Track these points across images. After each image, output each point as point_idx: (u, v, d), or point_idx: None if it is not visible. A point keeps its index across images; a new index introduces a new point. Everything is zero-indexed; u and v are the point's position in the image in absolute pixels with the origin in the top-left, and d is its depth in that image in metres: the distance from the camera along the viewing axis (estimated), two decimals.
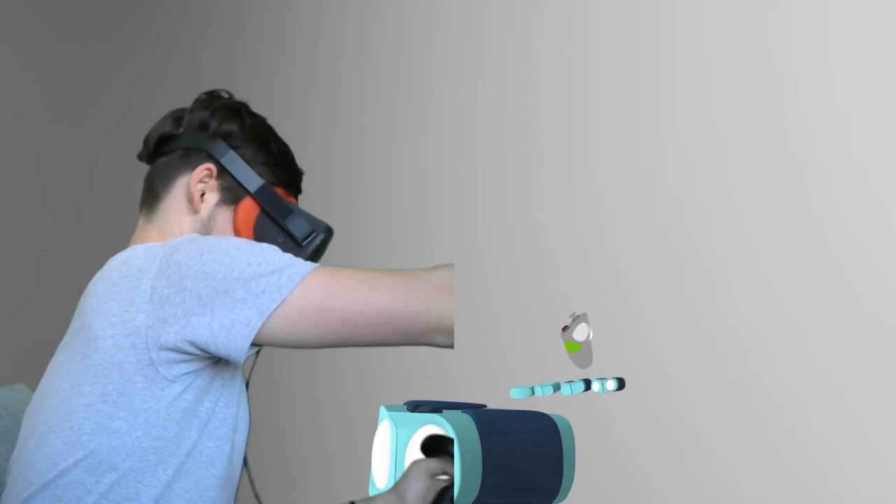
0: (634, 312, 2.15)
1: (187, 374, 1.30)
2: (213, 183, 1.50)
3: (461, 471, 1.34)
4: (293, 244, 1.51)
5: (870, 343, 1.79)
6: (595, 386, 1.87)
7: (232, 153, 1.50)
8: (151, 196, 1.53)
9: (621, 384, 1.88)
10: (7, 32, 3.69)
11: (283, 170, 1.56)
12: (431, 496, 1.43)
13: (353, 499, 1.59)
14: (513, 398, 2.02)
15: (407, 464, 1.50)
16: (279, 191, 1.54)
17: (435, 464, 1.44)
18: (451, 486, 1.44)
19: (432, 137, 2.68)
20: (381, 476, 1.55)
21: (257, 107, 3.33)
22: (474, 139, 2.56)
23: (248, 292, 1.26)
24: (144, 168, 1.62)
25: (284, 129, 3.24)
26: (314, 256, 1.53)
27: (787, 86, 1.93)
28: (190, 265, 1.28)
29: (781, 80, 1.94)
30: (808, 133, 1.90)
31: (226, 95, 1.59)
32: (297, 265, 1.30)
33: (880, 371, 1.78)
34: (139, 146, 3.66)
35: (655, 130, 2.14)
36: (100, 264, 3.84)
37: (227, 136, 1.52)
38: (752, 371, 1.95)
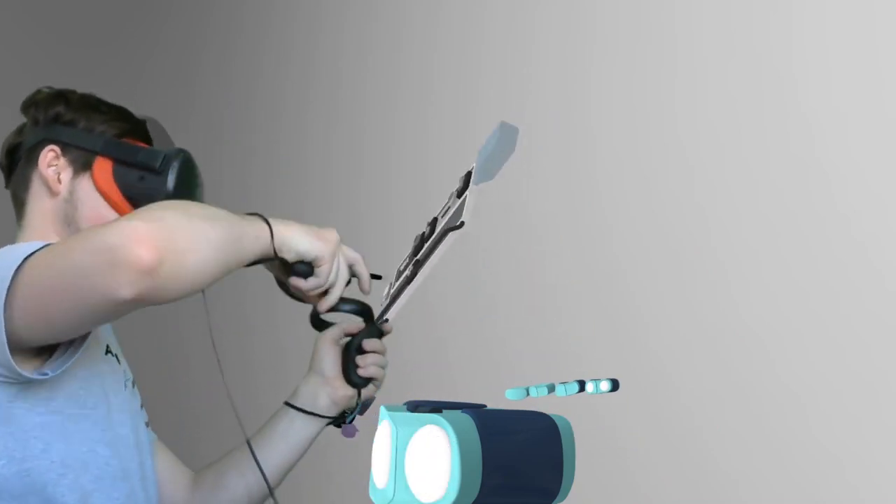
0: (634, 312, 2.15)
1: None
2: (62, 161, 1.52)
3: (461, 471, 1.34)
4: (153, 174, 1.52)
5: (869, 343, 1.79)
6: (589, 387, 1.87)
7: (68, 129, 1.53)
8: (17, 205, 1.56)
9: (615, 385, 1.88)
10: (7, 32, 3.69)
11: (122, 122, 1.58)
12: (340, 358, 1.60)
13: (288, 400, 1.69)
14: (507, 399, 2.02)
15: (407, 464, 1.50)
16: (126, 140, 1.56)
17: (334, 331, 1.61)
18: (353, 337, 1.60)
19: (432, 137, 2.68)
20: (381, 476, 1.55)
21: (257, 107, 3.34)
22: (474, 139, 2.56)
23: None
24: None
25: (284, 129, 3.25)
26: (180, 181, 1.53)
27: (787, 86, 1.93)
28: None
29: (781, 80, 1.94)
30: (808, 133, 1.89)
31: (46, 90, 1.61)
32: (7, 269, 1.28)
33: (880, 371, 1.78)
34: None
35: (655, 130, 2.14)
36: None
37: (56, 118, 1.54)
38: (751, 371, 1.95)
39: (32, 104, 1.57)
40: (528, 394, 1.70)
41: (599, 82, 2.26)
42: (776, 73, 1.95)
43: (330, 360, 1.64)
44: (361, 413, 1.65)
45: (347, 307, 1.62)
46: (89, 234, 1.30)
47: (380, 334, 1.64)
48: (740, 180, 1.99)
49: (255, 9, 3.37)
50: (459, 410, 1.46)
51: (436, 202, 2.65)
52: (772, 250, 1.93)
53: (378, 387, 1.65)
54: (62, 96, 1.57)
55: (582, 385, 1.83)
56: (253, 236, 1.39)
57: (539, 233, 2.37)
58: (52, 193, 1.52)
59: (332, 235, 1.54)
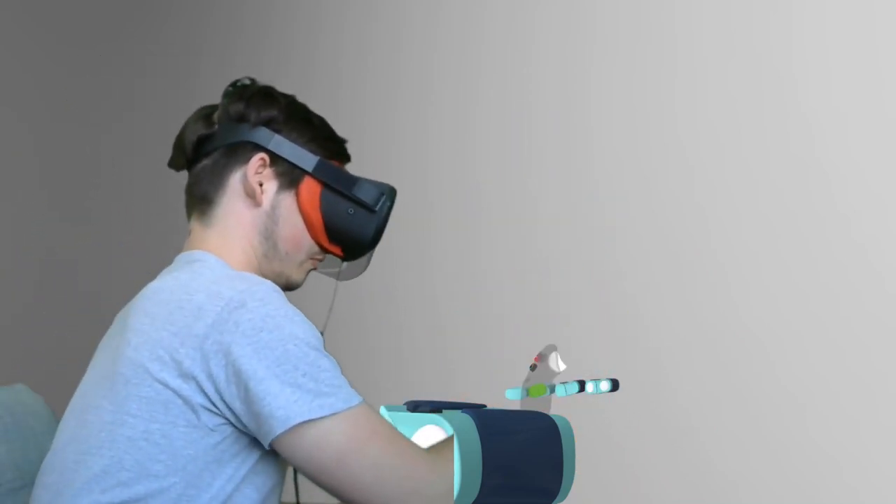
0: (634, 313, 2.15)
1: (227, 425, 1.29)
2: (268, 172, 1.45)
3: (461, 471, 1.34)
4: (366, 211, 1.46)
5: (869, 343, 1.79)
6: (589, 387, 1.87)
7: (278, 137, 1.45)
8: (202, 201, 1.46)
9: (615, 385, 1.88)
10: (7, 32, 3.69)
11: (330, 141, 1.51)
12: None
13: None
14: (508, 399, 2.02)
15: None
16: (334, 163, 1.50)
17: None
18: None
19: (432, 137, 2.68)
20: None
21: None
22: (474, 139, 2.56)
23: (282, 393, 1.24)
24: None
25: None
26: (386, 222, 1.50)
27: (787, 86, 1.93)
28: (246, 333, 1.25)
29: (781, 80, 1.94)
30: (808, 133, 1.90)
31: (249, 82, 1.53)
32: (333, 397, 1.26)
33: (879, 372, 1.78)
34: (140, 145, 3.67)
35: (655, 130, 2.14)
36: (101, 265, 3.82)
37: (268, 122, 1.46)
38: (750, 372, 1.95)
39: (242, 99, 1.48)
40: (528, 394, 1.70)
41: (599, 82, 2.26)
42: (776, 73, 1.95)
43: None
44: None
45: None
46: (418, 476, 1.30)
47: None
48: (740, 180, 1.99)
49: (255, 9, 3.37)
50: (459, 410, 1.46)
51: (436, 202, 2.65)
52: (771, 250, 1.93)
53: None
54: (274, 98, 1.49)
55: (582, 385, 1.83)
56: None
57: (539, 233, 2.37)
58: (254, 203, 1.44)
59: None
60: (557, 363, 1.60)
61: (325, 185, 1.47)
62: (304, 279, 1.51)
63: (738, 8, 2.02)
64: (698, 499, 2.03)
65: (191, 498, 1.28)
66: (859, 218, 1.81)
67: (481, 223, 2.52)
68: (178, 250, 1.50)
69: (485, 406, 1.52)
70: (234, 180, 1.46)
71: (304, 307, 1.41)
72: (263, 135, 1.46)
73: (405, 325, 2.67)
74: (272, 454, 1.33)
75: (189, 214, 1.50)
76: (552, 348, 1.66)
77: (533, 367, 1.60)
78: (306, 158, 1.46)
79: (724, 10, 2.04)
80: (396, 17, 2.82)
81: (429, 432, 1.48)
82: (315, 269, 1.52)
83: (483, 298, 2.47)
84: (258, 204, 1.45)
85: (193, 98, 3.75)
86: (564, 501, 1.55)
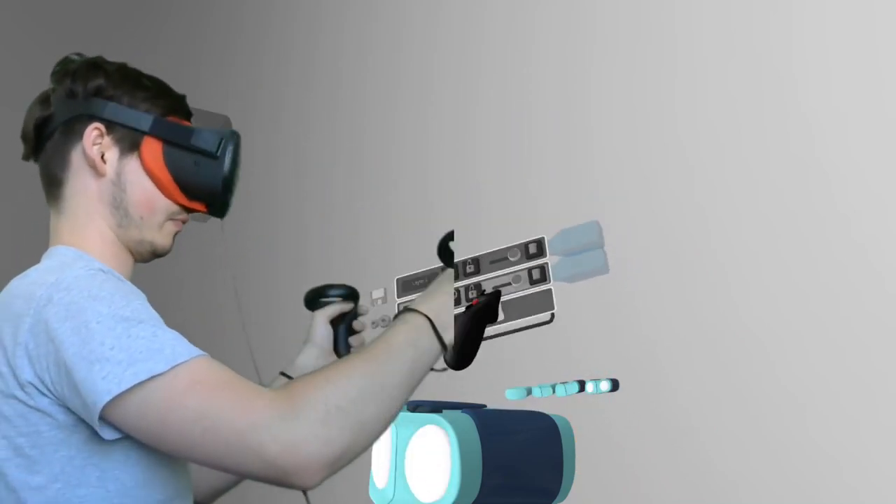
0: (633, 313, 2.15)
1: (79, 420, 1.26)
2: (106, 140, 1.42)
3: (461, 470, 1.34)
4: (209, 159, 1.45)
5: (868, 343, 1.79)
6: (589, 387, 1.87)
7: (111, 104, 1.43)
8: (53, 184, 1.45)
9: (615, 385, 1.87)
10: (7, 32, 3.69)
11: (166, 98, 1.48)
12: (332, 335, 1.64)
13: (283, 370, 1.65)
14: (508, 399, 2.02)
15: (407, 464, 1.50)
16: (171, 119, 1.48)
17: (329, 309, 1.63)
18: (345, 314, 1.64)
19: (432, 137, 2.68)
20: (381, 476, 1.55)
21: (257, 107, 3.34)
22: (474, 139, 2.56)
23: (91, 374, 1.18)
24: None
25: (284, 129, 3.25)
26: (234, 165, 1.48)
27: (787, 86, 1.93)
28: (55, 328, 1.21)
29: (781, 80, 1.94)
30: (808, 133, 1.90)
31: (77, 57, 1.50)
32: (151, 360, 1.19)
33: (879, 372, 1.78)
34: None
35: (655, 130, 2.14)
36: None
37: (98, 92, 1.44)
38: (751, 372, 1.95)
39: (67, 74, 1.46)
40: (528, 393, 1.70)
41: (599, 82, 2.26)
42: (776, 73, 1.95)
43: (326, 335, 1.64)
44: None
45: (337, 292, 1.67)
46: (253, 414, 1.16)
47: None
48: (740, 180, 1.99)
49: (255, 9, 3.37)
50: (459, 410, 1.45)
51: (436, 202, 2.65)
52: (772, 251, 1.93)
53: None
54: (99, 67, 1.46)
55: (582, 385, 1.83)
56: (426, 357, 1.31)
57: (539, 233, 2.37)
58: (98, 174, 1.41)
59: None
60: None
61: (165, 141, 1.45)
62: (172, 242, 1.47)
63: (738, 8, 2.01)
64: (698, 499, 2.03)
65: (83, 497, 1.26)
66: (859, 218, 1.81)
67: (481, 223, 2.52)
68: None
69: (485, 406, 1.52)
70: (76, 156, 1.43)
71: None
72: (95, 105, 1.44)
73: None
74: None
75: (48, 203, 1.48)
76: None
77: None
78: (141, 119, 1.45)
79: (724, 10, 2.04)
80: (396, 17, 2.82)
81: (428, 432, 1.48)
82: (179, 230, 1.49)
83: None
84: (102, 174, 1.42)
85: (193, 98, 3.75)
86: (564, 501, 1.55)
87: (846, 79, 1.85)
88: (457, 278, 1.53)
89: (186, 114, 1.52)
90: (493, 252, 1.56)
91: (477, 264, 1.54)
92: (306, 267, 3.12)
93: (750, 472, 1.94)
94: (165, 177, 1.44)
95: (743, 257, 1.98)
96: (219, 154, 1.46)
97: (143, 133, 1.44)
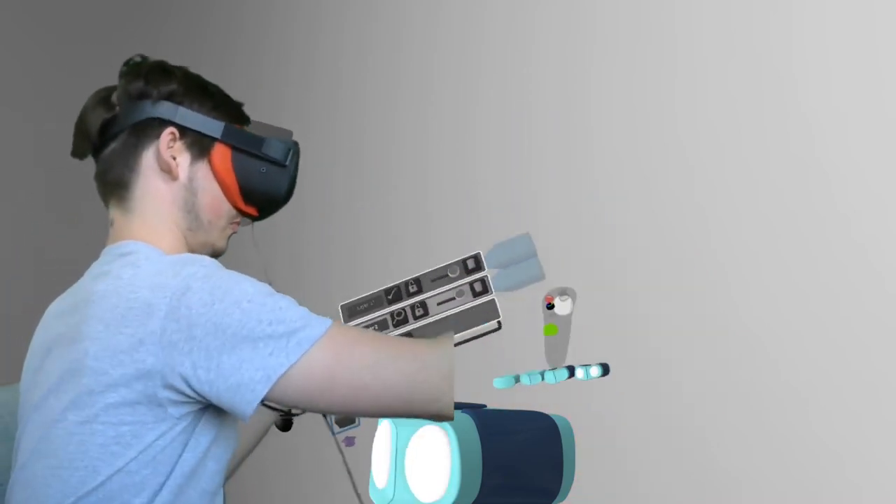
0: (634, 312, 2.15)
1: (193, 411, 1.30)
2: (178, 145, 1.45)
3: (461, 471, 1.34)
4: (277, 167, 1.49)
5: (869, 343, 1.79)
6: (579, 373, 1.86)
7: (182, 109, 1.46)
8: (118, 186, 1.46)
9: (605, 370, 1.87)
10: (7, 32, 3.69)
11: (230, 106, 1.53)
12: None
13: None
14: (496, 388, 2.02)
15: (407, 464, 1.50)
16: (237, 126, 1.52)
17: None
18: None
19: (432, 137, 2.68)
20: (381, 476, 1.55)
21: (257, 107, 3.33)
22: (474, 139, 2.56)
23: (256, 353, 1.24)
24: None
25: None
26: (296, 174, 1.53)
27: (787, 86, 1.93)
28: (201, 312, 1.25)
29: (781, 80, 1.94)
30: (808, 133, 1.89)
31: (140, 59, 1.53)
32: (307, 328, 1.27)
33: (879, 372, 1.78)
34: None
35: (655, 130, 2.14)
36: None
37: (170, 96, 1.47)
38: (751, 371, 1.95)
39: (139, 76, 1.48)
40: (517, 381, 1.70)
41: (599, 82, 2.26)
42: (776, 73, 1.95)
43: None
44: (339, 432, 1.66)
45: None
46: (419, 355, 1.32)
47: None
48: (740, 180, 1.99)
49: (255, 9, 3.37)
50: (459, 410, 1.45)
51: (436, 202, 2.65)
52: (771, 250, 1.93)
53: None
54: (169, 72, 1.50)
55: (571, 371, 1.83)
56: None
57: (539, 233, 2.37)
58: (171, 178, 1.44)
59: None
60: (569, 309, 1.63)
61: (234, 148, 1.48)
62: (227, 245, 1.52)
63: (738, 8, 2.01)
64: (699, 498, 2.03)
65: (163, 485, 1.30)
66: (859, 218, 1.81)
67: (481, 223, 2.52)
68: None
69: (485, 406, 1.52)
70: (148, 158, 1.45)
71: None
72: (167, 109, 1.46)
73: None
74: (218, 417, 1.35)
75: (106, 203, 1.49)
76: (570, 294, 1.69)
77: (550, 307, 1.63)
78: (213, 125, 1.47)
79: (724, 10, 2.03)
80: (396, 17, 2.82)
81: (428, 432, 1.48)
82: (235, 232, 1.54)
83: None
84: (175, 178, 1.45)
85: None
86: (565, 501, 1.55)
87: (846, 79, 1.85)
88: (399, 299, 1.57)
89: (246, 120, 1.56)
90: (434, 270, 1.60)
91: (419, 283, 1.58)
92: (306, 267, 3.12)
93: (753, 470, 1.94)
94: (233, 182, 1.48)
95: (743, 257, 1.97)
96: (287, 164, 1.50)
97: (215, 139, 1.47)
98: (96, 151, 1.50)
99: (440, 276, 1.60)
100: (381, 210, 2.83)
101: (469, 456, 1.37)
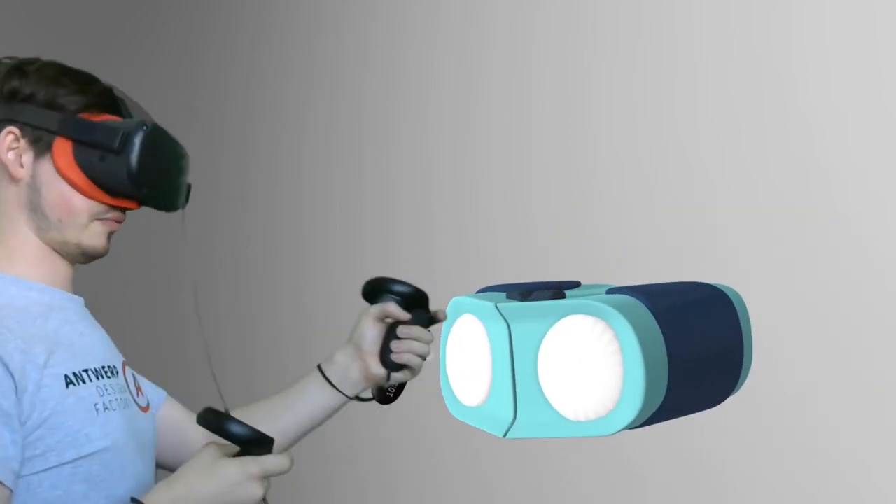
0: None
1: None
2: (23, 143, 1.39)
3: (645, 372, 1.01)
4: (112, 154, 1.38)
5: (869, 343, 1.79)
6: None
7: (28, 106, 1.39)
8: None
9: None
10: (7, 32, 3.69)
11: (84, 94, 1.43)
12: (381, 338, 1.53)
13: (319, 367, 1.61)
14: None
15: (541, 371, 1.13)
16: (88, 115, 1.42)
17: (376, 308, 1.53)
18: (394, 324, 1.53)
19: (432, 137, 2.68)
20: (478, 387, 1.20)
21: (257, 107, 3.34)
22: (474, 139, 2.56)
23: None
24: None
25: (284, 129, 3.25)
26: (145, 160, 1.39)
27: (787, 86, 1.93)
28: None
29: (781, 80, 1.94)
30: (808, 133, 1.89)
31: (7, 60, 1.46)
32: None
33: (879, 372, 1.78)
34: None
35: (655, 130, 2.14)
36: (101, 265, 3.83)
37: (13, 95, 1.40)
38: (751, 372, 1.95)
39: None
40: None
41: (599, 82, 2.26)
42: (776, 73, 1.95)
43: (368, 336, 1.55)
44: (394, 398, 1.57)
45: (399, 289, 1.53)
46: None
47: (428, 322, 1.53)
48: (740, 180, 1.99)
49: (255, 9, 3.37)
50: (611, 294, 1.09)
51: (436, 202, 2.65)
52: (772, 250, 1.93)
53: (412, 375, 1.55)
54: (18, 69, 1.42)
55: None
56: None
57: (539, 233, 2.37)
58: (14, 179, 1.39)
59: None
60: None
61: (74, 140, 1.39)
62: (105, 243, 1.43)
63: (738, 8, 2.01)
64: (699, 498, 2.03)
65: None
66: (859, 218, 1.81)
67: (481, 223, 2.52)
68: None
69: (579, 283, 1.23)
70: None
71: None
72: (12, 108, 1.40)
73: None
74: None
75: None
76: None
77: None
78: (51, 118, 1.39)
79: (724, 10, 2.03)
80: (396, 17, 2.82)
81: (576, 324, 1.10)
82: (114, 230, 1.44)
83: None
84: (17, 178, 1.39)
85: (194, 98, 3.75)
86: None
87: (846, 79, 1.85)
88: None
89: (113, 108, 1.46)
90: None
91: None
92: (306, 267, 3.12)
93: (753, 470, 1.94)
94: (79, 176, 1.39)
95: (743, 257, 1.98)
96: (119, 148, 1.38)
97: (54, 133, 1.40)
98: None
99: None
100: (381, 210, 2.83)
101: (651, 350, 1.02)
